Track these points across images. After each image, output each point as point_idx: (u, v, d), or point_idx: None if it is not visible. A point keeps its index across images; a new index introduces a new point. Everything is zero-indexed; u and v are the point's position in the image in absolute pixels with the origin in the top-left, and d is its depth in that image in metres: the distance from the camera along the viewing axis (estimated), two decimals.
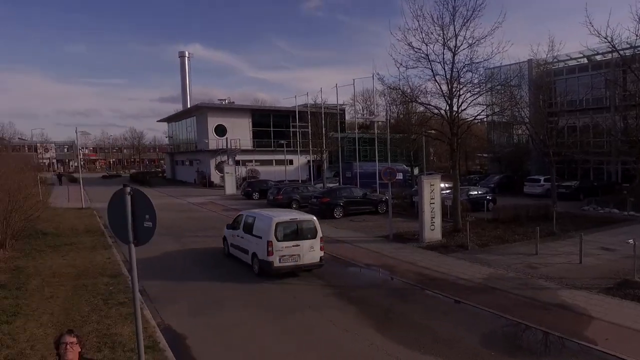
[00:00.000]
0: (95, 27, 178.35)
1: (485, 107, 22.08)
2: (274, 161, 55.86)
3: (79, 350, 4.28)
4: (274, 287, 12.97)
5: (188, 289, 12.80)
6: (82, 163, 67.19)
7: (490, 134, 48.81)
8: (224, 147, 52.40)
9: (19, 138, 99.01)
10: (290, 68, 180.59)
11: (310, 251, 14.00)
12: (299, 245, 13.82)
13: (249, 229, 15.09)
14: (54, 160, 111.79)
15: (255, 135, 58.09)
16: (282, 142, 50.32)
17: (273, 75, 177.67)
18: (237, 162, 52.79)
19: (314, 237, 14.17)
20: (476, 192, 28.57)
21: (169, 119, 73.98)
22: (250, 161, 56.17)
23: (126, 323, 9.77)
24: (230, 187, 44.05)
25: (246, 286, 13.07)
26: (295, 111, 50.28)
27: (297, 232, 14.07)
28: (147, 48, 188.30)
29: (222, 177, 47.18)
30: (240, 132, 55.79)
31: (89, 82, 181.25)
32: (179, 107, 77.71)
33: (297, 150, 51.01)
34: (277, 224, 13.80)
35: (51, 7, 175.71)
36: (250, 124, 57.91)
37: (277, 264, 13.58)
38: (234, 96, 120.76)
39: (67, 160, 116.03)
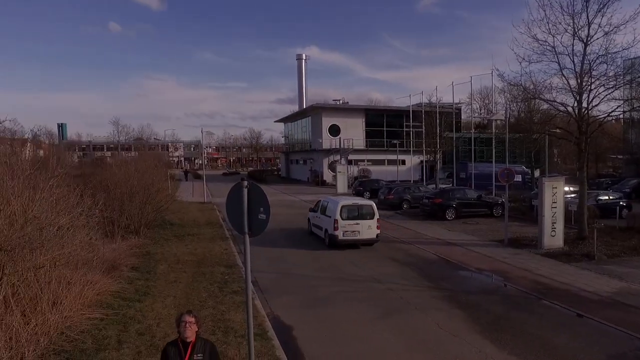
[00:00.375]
0: (221, 36, 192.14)
1: (622, 102, 19.80)
2: (386, 161, 55.58)
3: (196, 329, 4.70)
4: (380, 286, 12.91)
5: (296, 284, 13.17)
6: (205, 161, 72.48)
7: (628, 133, 43.86)
8: (337, 147, 53.28)
9: (154, 138, 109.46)
10: (405, 67, 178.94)
11: (367, 229, 17.72)
12: (358, 223, 17.68)
13: (323, 210, 19.08)
14: (182, 158, 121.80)
15: (368, 134, 58.23)
16: (395, 141, 49.76)
17: (387, 75, 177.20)
18: (349, 162, 53.35)
19: (372, 218, 17.87)
20: (607, 197, 25.88)
21: (285, 120, 77.09)
22: (363, 161, 56.45)
23: (238, 311, 10.32)
24: (342, 186, 44.59)
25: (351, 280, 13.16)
26: (409, 111, 49.45)
27: (357, 214, 17.87)
28: (267, 53, 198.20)
29: (334, 176, 47.93)
30: (354, 131, 56.27)
31: (214, 86, 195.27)
32: (295, 108, 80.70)
33: (410, 150, 50.09)
34: (342, 207, 17.78)
35: (184, 21, 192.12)
36: (364, 123, 58.15)
37: (340, 237, 17.51)
38: (349, 97, 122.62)
39: (193, 158, 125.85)
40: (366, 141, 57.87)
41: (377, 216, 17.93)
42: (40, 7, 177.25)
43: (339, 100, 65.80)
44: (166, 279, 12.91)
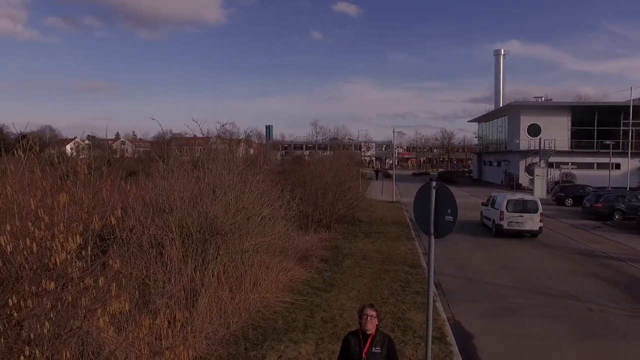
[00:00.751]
0: (415, 37, 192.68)
1: None
2: (595, 164, 49.09)
3: (377, 323, 4.85)
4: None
5: (482, 292, 12.57)
6: (395, 161, 73.62)
7: None
8: (536, 148, 48.93)
9: (348, 138, 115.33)
10: (625, 55, 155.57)
11: (530, 221, 19.87)
12: (522, 216, 19.97)
13: (492, 204, 21.74)
14: (374, 158, 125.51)
15: (574, 135, 52.09)
16: (608, 142, 43.46)
17: (602, 66, 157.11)
18: (549, 165, 48.56)
19: (535, 212, 19.93)
20: None
21: (479, 119, 73.71)
22: (566, 164, 50.75)
23: (419, 311, 10.30)
24: (540, 191, 40.81)
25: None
26: (628, 106, 42.82)
27: (522, 207, 20.14)
28: (463, 50, 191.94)
29: (531, 180, 44.20)
30: (556, 131, 50.84)
31: (408, 86, 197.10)
32: (490, 107, 76.50)
33: (628, 152, 43.33)
34: (509, 201, 20.39)
35: (380, 25, 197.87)
36: (569, 122, 52.18)
37: (505, 226, 19.96)
38: (553, 93, 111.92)
39: (384, 158, 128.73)
40: (571, 142, 51.84)
41: (540, 210, 20.00)
42: (254, 24, 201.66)
43: (541, 97, 60.09)
44: (352, 272, 13.53)
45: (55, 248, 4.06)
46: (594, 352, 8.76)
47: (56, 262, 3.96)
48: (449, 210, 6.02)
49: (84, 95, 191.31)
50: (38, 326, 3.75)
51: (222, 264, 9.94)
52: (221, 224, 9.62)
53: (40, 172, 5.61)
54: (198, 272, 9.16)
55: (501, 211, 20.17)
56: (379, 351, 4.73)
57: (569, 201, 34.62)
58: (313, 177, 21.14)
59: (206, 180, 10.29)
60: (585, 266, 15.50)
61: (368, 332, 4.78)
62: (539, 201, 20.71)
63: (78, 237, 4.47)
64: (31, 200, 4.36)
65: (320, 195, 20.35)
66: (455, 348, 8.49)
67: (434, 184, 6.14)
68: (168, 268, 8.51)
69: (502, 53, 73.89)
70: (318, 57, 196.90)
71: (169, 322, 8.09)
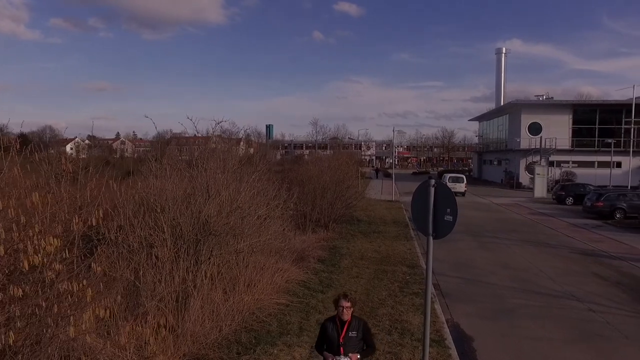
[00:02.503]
0: (417, 36, 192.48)
1: None
2: (595, 163, 48.86)
3: (352, 310, 5.20)
4: None
5: (481, 292, 12.33)
6: (395, 160, 73.38)
7: None
8: (537, 147, 48.68)
9: (348, 137, 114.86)
10: (628, 54, 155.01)
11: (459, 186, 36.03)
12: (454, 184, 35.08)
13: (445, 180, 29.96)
14: (374, 157, 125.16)
15: (575, 133, 51.80)
16: (610, 140, 43.14)
17: (604, 65, 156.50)
18: (550, 163, 48.30)
19: (462, 182, 37.14)
20: None
21: (480, 118, 73.49)
22: (567, 162, 50.50)
23: (417, 313, 10.07)
24: (540, 190, 40.63)
25: None
26: (631, 104, 42.52)
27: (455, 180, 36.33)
28: (464, 50, 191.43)
29: (532, 179, 43.95)
30: (558, 130, 50.53)
31: (409, 86, 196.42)
32: (490, 106, 76.23)
33: (630, 151, 43.03)
34: (449, 177, 37.06)
35: (382, 25, 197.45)
36: (570, 120, 51.90)
37: None
38: (554, 92, 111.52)
39: (384, 157, 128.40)
40: (572, 140, 51.58)
41: (465, 182, 31.25)
42: (255, 25, 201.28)
43: (542, 95, 59.87)
44: (349, 273, 13.30)
45: (28, 250, 3.81)
46: (596, 354, 8.52)
47: (27, 266, 3.71)
48: (449, 210, 5.75)
49: (87, 95, 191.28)
50: (3, 337, 3.50)
51: (216, 265, 9.72)
52: (215, 224, 9.39)
53: (20, 170, 5.38)
54: (190, 274, 8.94)
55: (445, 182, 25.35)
56: (355, 335, 5.15)
57: (570, 200, 34.38)
58: (311, 176, 20.91)
59: (200, 179, 10.07)
60: (586, 266, 15.26)
61: (344, 319, 5.16)
62: (465, 177, 38.14)
63: (55, 239, 4.23)
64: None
65: (319, 195, 20.11)
66: (454, 352, 8.26)
67: (432, 182, 5.88)
68: (158, 270, 8.28)
69: (504, 52, 73.67)
70: (319, 57, 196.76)
71: (159, 326, 7.89)
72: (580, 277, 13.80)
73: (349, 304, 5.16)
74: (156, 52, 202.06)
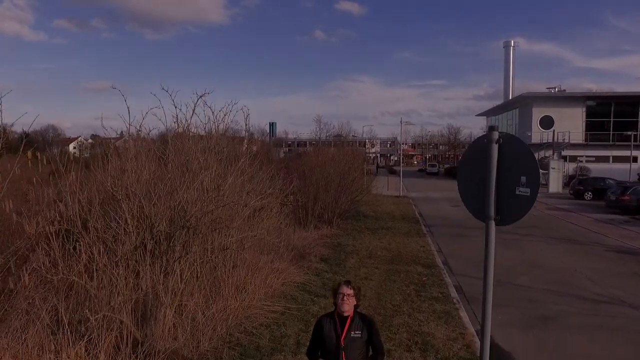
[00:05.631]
0: (420, 35, 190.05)
1: None
2: (610, 158, 46.81)
3: (355, 303, 3.97)
4: None
5: (513, 296, 10.49)
6: (401, 157, 71.43)
7: None
8: (549, 141, 46.65)
9: (352, 135, 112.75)
10: (633, 51, 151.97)
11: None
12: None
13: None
14: (378, 154, 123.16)
15: (589, 127, 49.64)
16: (629, 133, 41.05)
17: (610, 63, 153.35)
18: (563, 158, 46.29)
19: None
20: None
21: (487, 113, 71.27)
22: (581, 157, 48.45)
23: (440, 323, 8.32)
24: (555, 184, 38.66)
25: None
26: None
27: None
28: (467, 48, 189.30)
29: (544, 174, 41.99)
30: (570, 123, 48.41)
31: (412, 85, 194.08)
32: (495, 104, 73.83)
33: None
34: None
35: (384, 23, 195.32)
36: (584, 114, 49.81)
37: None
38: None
39: (388, 155, 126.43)
40: (586, 134, 49.48)
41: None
42: (257, 25, 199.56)
43: (554, 88, 57.57)
44: (356, 273, 11.52)
45: None
46: None
47: None
48: (523, 179, 3.76)
49: (90, 95, 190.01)
50: None
51: (196, 265, 7.96)
52: (193, 214, 7.63)
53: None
54: (161, 276, 7.19)
55: None
56: (359, 335, 3.90)
57: (589, 195, 32.38)
58: (313, 167, 19.10)
59: (176, 160, 8.31)
60: (627, 266, 13.36)
61: (345, 314, 3.93)
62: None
63: None
64: None
65: (322, 187, 18.31)
66: None
67: (495, 135, 3.84)
68: (116, 272, 6.51)
69: (512, 45, 71.59)
70: (321, 56, 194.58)
71: (118, 343, 6.15)
72: (625, 279, 11.90)
73: (351, 292, 3.92)
74: (158, 52, 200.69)
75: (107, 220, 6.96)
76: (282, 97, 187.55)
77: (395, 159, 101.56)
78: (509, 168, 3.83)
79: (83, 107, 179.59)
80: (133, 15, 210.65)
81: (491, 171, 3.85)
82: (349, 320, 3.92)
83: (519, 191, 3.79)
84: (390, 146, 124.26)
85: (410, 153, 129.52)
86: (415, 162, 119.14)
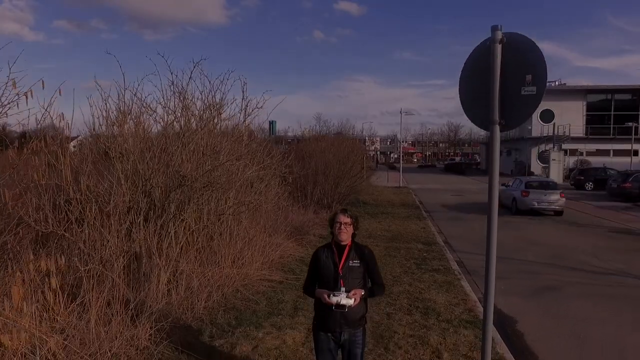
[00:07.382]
0: (420, 34, 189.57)
1: None
2: (611, 151, 46.58)
3: (353, 232, 3.82)
4: None
5: (512, 269, 10.29)
6: (401, 154, 71.44)
7: None
8: (549, 134, 46.42)
9: (352, 133, 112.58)
10: (632, 51, 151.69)
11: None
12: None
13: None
14: (378, 152, 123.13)
15: (589, 120, 49.43)
16: (630, 124, 40.76)
17: (609, 62, 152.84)
18: (563, 152, 46.07)
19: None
20: None
21: None
22: (581, 150, 48.21)
23: (440, 291, 8.15)
24: (555, 176, 38.37)
25: None
26: None
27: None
28: (466, 48, 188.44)
29: (544, 168, 41.81)
30: (570, 117, 48.10)
31: (412, 84, 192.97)
32: None
33: None
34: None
35: (383, 23, 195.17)
36: (584, 107, 49.58)
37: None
38: None
39: (388, 153, 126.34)
40: (586, 128, 49.22)
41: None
42: (256, 25, 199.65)
43: (554, 81, 57.27)
44: None
45: None
46: None
47: None
48: (528, 77, 3.51)
49: (90, 95, 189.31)
50: None
51: (191, 231, 7.76)
52: (188, 174, 7.41)
53: None
54: (155, 237, 6.99)
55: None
56: (357, 264, 3.76)
57: (589, 185, 32.24)
58: (313, 152, 18.93)
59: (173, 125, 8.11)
60: (629, 243, 13.20)
61: (343, 243, 3.77)
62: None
63: None
64: None
65: (321, 172, 18.15)
66: (496, 334, 6.28)
67: (498, 35, 3.60)
68: (107, 225, 6.31)
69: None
70: (321, 56, 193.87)
71: (108, 301, 5.96)
72: (627, 255, 11.73)
73: (348, 220, 3.73)
74: (158, 51, 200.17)
75: (99, 178, 6.77)
76: (281, 97, 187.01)
77: (395, 156, 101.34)
78: (514, 68, 3.60)
79: (83, 107, 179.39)
80: (132, 15, 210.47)
81: (495, 73, 3.62)
82: (346, 249, 3.77)
83: (525, 91, 3.55)
84: (390, 143, 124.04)
85: (410, 151, 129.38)
86: (415, 160, 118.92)
